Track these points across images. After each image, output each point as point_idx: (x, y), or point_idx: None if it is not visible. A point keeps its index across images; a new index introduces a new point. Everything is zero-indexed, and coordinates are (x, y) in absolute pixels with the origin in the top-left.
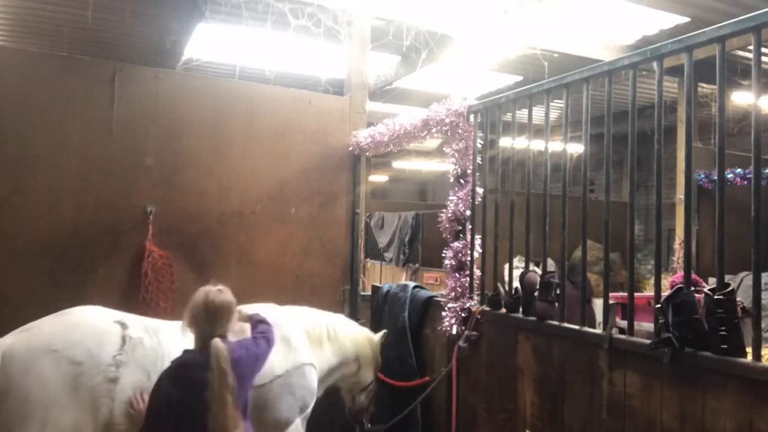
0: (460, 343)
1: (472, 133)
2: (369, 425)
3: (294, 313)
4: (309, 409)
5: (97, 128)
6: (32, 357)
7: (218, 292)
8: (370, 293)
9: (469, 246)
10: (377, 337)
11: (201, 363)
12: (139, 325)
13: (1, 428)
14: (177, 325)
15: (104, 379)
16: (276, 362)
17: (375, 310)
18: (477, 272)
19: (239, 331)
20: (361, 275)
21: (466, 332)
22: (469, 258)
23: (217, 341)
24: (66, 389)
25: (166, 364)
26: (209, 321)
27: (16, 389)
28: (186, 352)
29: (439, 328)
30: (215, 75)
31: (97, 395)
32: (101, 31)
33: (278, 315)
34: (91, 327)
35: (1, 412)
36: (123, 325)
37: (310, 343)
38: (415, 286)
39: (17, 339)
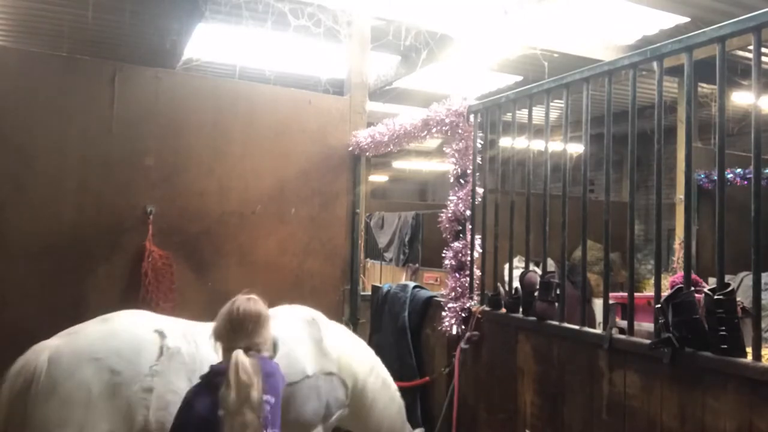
0: (462, 344)
1: (472, 133)
2: None
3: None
4: (333, 419)
5: (97, 128)
6: (77, 362)
7: (246, 300)
8: (370, 293)
9: (469, 246)
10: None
11: (223, 378)
12: (177, 332)
13: (36, 429)
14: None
15: (140, 389)
16: (308, 362)
17: (375, 310)
18: (477, 272)
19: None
20: (361, 275)
21: (468, 333)
22: (469, 258)
23: (238, 353)
24: (105, 396)
25: (206, 367)
26: (233, 331)
27: (59, 392)
28: (212, 366)
29: (439, 328)
30: (215, 75)
31: (133, 404)
32: (101, 31)
33: (317, 317)
34: (131, 336)
35: (41, 413)
36: (162, 335)
37: (353, 368)
38: (415, 286)
39: (63, 343)
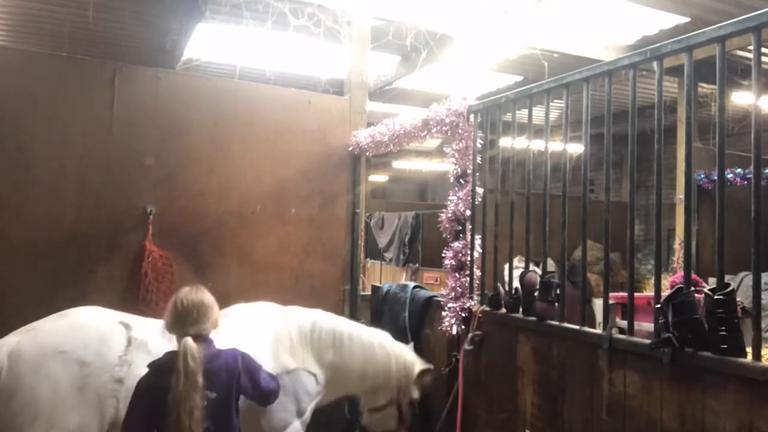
0: (466, 345)
1: (472, 133)
2: None
3: (296, 315)
4: (308, 414)
5: (97, 128)
6: (41, 357)
7: (189, 291)
8: (370, 293)
9: (469, 246)
10: (416, 365)
11: (171, 365)
12: (141, 325)
13: (7, 427)
14: None
15: (110, 379)
16: (267, 366)
17: (375, 310)
18: (477, 272)
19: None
20: (361, 275)
21: (470, 334)
22: (469, 258)
23: (187, 340)
24: (74, 390)
25: None
26: (180, 321)
27: (24, 389)
28: (165, 354)
29: (439, 328)
30: (215, 75)
31: (103, 395)
32: (101, 31)
33: (275, 315)
34: (96, 328)
35: (7, 412)
36: (127, 327)
37: (308, 347)
38: (415, 286)
39: (23, 339)
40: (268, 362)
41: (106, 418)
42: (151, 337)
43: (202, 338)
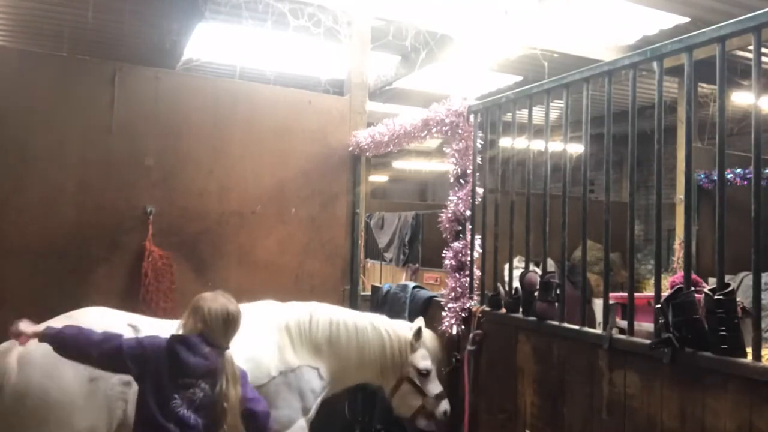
0: (469, 346)
1: (472, 133)
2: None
3: (294, 310)
4: (312, 411)
5: (97, 128)
6: (51, 361)
7: (231, 302)
8: (369, 293)
9: (469, 246)
10: (408, 331)
11: (197, 351)
12: (148, 326)
13: (18, 431)
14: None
15: (119, 382)
16: (272, 363)
17: (375, 310)
18: (477, 272)
19: None
20: (361, 275)
21: (471, 333)
22: (469, 258)
23: (230, 352)
24: (83, 393)
25: None
26: (225, 332)
27: (34, 393)
28: (189, 337)
29: (439, 328)
30: (215, 75)
31: (112, 398)
32: (101, 31)
33: (275, 313)
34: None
35: (18, 415)
36: (135, 328)
37: (308, 341)
38: (415, 287)
39: (32, 343)
40: (273, 361)
41: (115, 420)
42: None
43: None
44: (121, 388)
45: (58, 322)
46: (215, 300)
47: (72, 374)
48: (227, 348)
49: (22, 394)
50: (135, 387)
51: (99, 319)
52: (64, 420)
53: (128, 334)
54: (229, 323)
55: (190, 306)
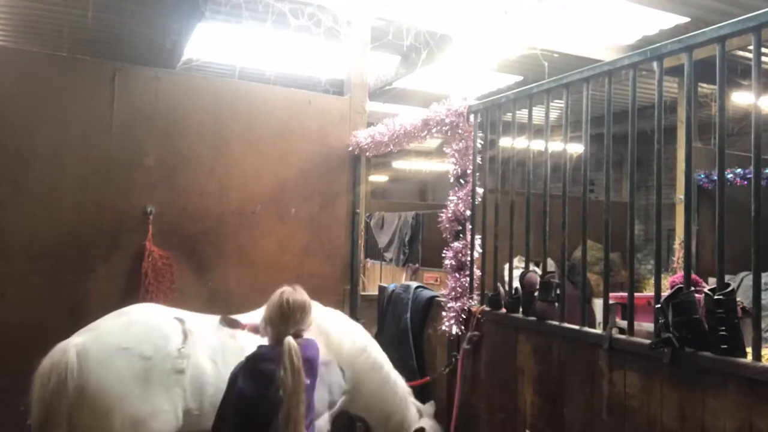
0: (465, 345)
1: (472, 133)
2: None
3: (359, 329)
4: (337, 406)
5: (97, 128)
6: (107, 354)
7: (293, 292)
8: (369, 293)
9: (469, 246)
10: (416, 420)
11: (274, 358)
12: (193, 320)
13: (83, 424)
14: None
15: (172, 370)
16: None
17: (380, 310)
18: (477, 272)
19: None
20: (361, 275)
21: (468, 334)
22: (469, 258)
23: (290, 338)
24: (140, 382)
25: (227, 355)
26: (283, 319)
27: (94, 385)
28: (260, 347)
29: (439, 328)
30: (215, 75)
31: (168, 386)
32: (101, 31)
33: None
34: (154, 323)
35: (81, 408)
36: (181, 321)
37: (345, 349)
38: (417, 287)
39: (87, 339)
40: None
41: (178, 406)
42: (204, 331)
43: (298, 336)
44: (176, 377)
45: (110, 320)
46: (282, 291)
47: (125, 364)
48: (287, 335)
49: (82, 387)
50: (190, 374)
51: (148, 314)
52: (126, 409)
53: (176, 327)
54: (285, 311)
55: None
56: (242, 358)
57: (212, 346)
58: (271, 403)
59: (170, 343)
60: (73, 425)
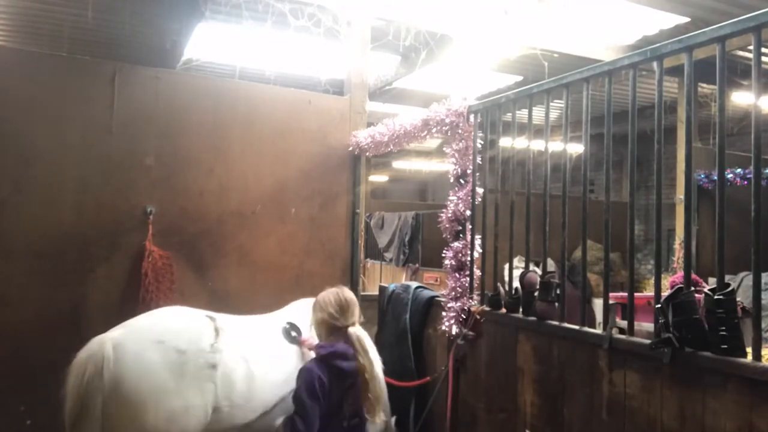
0: (458, 340)
1: (472, 133)
2: None
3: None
4: None
5: (97, 128)
6: (143, 347)
7: (346, 290)
8: (369, 293)
9: (469, 246)
10: None
11: (348, 354)
12: (222, 318)
13: (119, 414)
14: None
15: (206, 365)
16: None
17: (381, 311)
18: (477, 272)
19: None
20: (361, 275)
21: (464, 331)
22: (469, 258)
23: (357, 328)
24: (175, 375)
25: (255, 351)
26: (343, 313)
27: (130, 377)
28: (326, 345)
29: (439, 328)
30: (215, 75)
31: (201, 380)
32: (101, 31)
33: None
34: (187, 320)
35: (117, 400)
36: (212, 319)
37: None
38: (417, 287)
39: (122, 333)
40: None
41: (208, 399)
42: (233, 328)
43: (355, 325)
44: (209, 371)
45: (144, 318)
46: (336, 291)
47: (160, 357)
48: (350, 325)
49: (118, 379)
50: (221, 370)
51: (180, 312)
52: (161, 401)
53: (208, 324)
54: (344, 306)
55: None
56: (271, 355)
57: (242, 344)
58: (342, 397)
59: (203, 338)
60: (106, 417)
